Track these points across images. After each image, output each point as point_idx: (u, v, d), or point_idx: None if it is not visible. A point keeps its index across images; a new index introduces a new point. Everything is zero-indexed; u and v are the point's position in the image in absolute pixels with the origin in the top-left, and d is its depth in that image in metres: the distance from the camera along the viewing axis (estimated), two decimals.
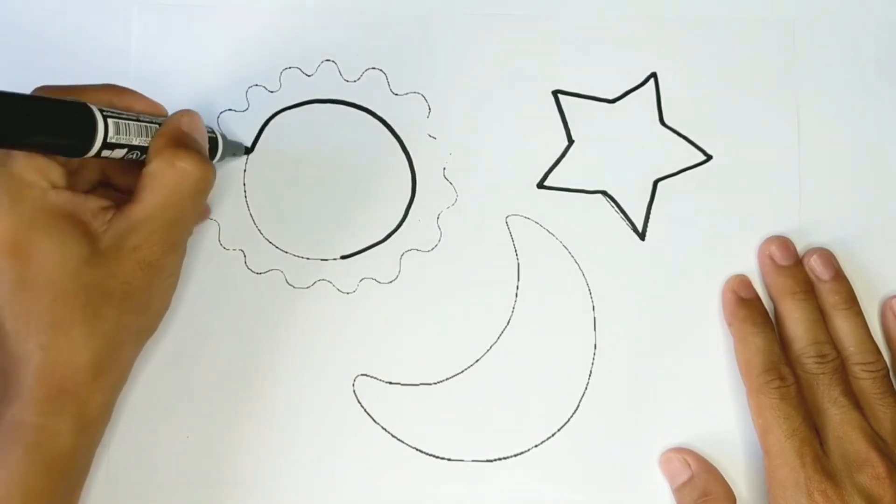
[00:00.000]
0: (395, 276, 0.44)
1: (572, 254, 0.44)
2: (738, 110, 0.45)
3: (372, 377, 0.43)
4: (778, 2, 0.46)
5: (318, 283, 0.44)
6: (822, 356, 0.41)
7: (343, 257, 0.44)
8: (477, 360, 0.43)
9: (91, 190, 0.39)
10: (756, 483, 0.42)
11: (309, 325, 0.43)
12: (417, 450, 0.43)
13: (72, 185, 0.36)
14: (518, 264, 0.44)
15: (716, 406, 0.43)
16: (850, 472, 0.39)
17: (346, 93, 0.45)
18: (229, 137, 0.43)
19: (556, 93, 0.45)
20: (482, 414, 0.43)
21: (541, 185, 0.45)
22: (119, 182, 0.40)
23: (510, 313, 0.44)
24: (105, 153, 0.35)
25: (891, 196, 0.45)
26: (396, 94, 0.45)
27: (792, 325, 0.42)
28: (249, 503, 0.42)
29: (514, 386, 0.43)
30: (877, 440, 0.40)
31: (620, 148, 0.45)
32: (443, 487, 0.42)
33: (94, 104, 0.35)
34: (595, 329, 0.44)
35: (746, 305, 0.43)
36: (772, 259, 0.43)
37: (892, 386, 0.42)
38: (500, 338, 0.44)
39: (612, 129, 0.45)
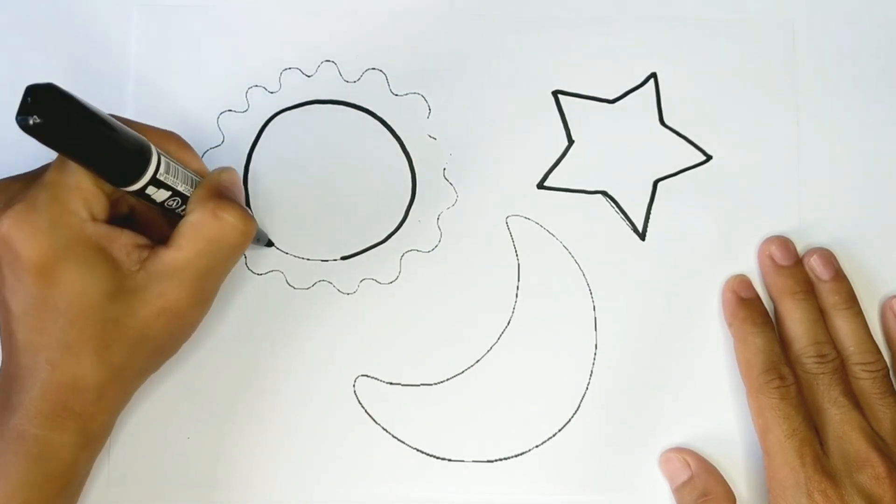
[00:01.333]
0: (395, 277, 0.44)
1: (573, 254, 0.44)
2: (738, 110, 0.45)
3: (372, 378, 0.43)
4: (778, 2, 0.46)
5: (318, 283, 0.44)
6: (822, 356, 0.41)
7: (343, 258, 0.44)
8: (477, 361, 0.43)
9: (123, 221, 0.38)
10: (756, 483, 0.42)
11: (309, 326, 0.43)
12: (418, 450, 0.43)
13: (111, 215, 0.36)
14: (518, 264, 0.44)
15: (716, 406, 0.43)
16: (850, 472, 0.39)
17: (346, 93, 0.45)
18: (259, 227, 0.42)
19: (556, 93, 0.45)
20: (483, 414, 0.43)
21: (541, 186, 0.45)
22: (157, 225, 0.39)
23: (510, 313, 0.44)
24: (149, 190, 0.35)
25: (891, 196, 0.45)
26: (396, 95, 0.45)
27: (792, 325, 0.42)
28: (249, 503, 0.42)
29: (514, 386, 0.43)
30: (877, 440, 0.40)
31: (620, 148, 0.45)
32: (443, 488, 0.43)
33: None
34: (596, 329, 0.44)
35: (746, 305, 0.43)
36: (772, 259, 0.43)
37: (892, 386, 0.42)
38: (501, 338, 0.44)
39: (612, 129, 0.45)
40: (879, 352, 0.42)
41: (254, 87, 0.45)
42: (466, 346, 0.43)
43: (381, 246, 0.44)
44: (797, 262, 0.43)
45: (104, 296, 0.34)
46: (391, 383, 0.43)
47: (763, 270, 0.44)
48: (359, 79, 0.45)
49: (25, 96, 0.31)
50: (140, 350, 0.36)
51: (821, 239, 0.44)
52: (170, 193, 0.36)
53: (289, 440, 0.43)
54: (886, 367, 0.42)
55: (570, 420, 0.43)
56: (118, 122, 0.34)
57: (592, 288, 0.44)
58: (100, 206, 0.35)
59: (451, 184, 0.44)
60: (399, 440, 0.43)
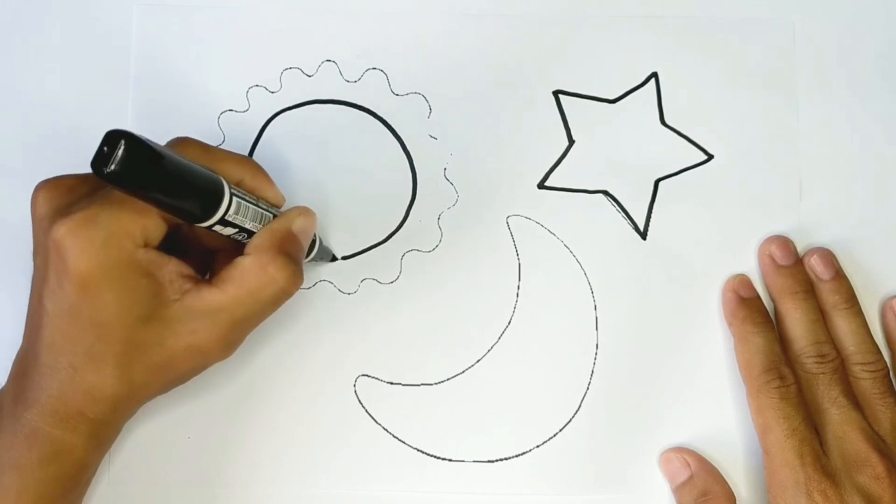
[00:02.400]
0: (395, 277, 0.44)
1: (574, 253, 0.44)
2: (739, 110, 0.45)
3: (373, 377, 0.43)
4: (778, 2, 0.46)
5: (319, 283, 0.44)
6: (822, 356, 0.41)
7: (344, 258, 0.44)
8: (478, 361, 0.43)
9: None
10: (756, 483, 0.43)
11: (310, 326, 0.43)
12: (418, 450, 0.43)
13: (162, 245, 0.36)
14: (519, 264, 0.44)
15: (716, 406, 0.43)
16: (850, 472, 0.39)
17: (347, 93, 0.45)
18: (322, 243, 0.42)
19: (556, 93, 0.45)
20: (483, 414, 0.43)
21: (542, 185, 0.45)
22: (207, 242, 0.39)
23: (511, 313, 0.44)
24: (216, 228, 0.35)
25: (891, 196, 0.45)
26: (397, 95, 0.45)
27: (792, 324, 0.42)
28: (250, 503, 0.42)
29: (515, 386, 0.43)
30: (876, 440, 0.40)
31: (621, 148, 0.45)
32: (443, 488, 0.43)
33: (226, 178, 0.35)
34: (597, 328, 0.44)
35: (747, 305, 0.43)
36: (772, 259, 0.44)
37: (892, 386, 0.42)
38: (502, 338, 0.44)
39: (612, 128, 0.45)
40: (879, 352, 0.42)
41: (254, 87, 0.44)
42: (467, 345, 0.43)
43: (382, 246, 0.44)
44: (797, 262, 0.43)
45: (138, 320, 0.34)
46: (392, 383, 0.43)
47: (763, 270, 0.44)
48: (359, 79, 0.45)
49: (102, 145, 0.31)
50: (160, 376, 0.36)
51: (821, 239, 0.44)
52: (237, 230, 0.36)
53: (289, 440, 0.43)
54: (886, 367, 0.42)
55: (570, 420, 0.43)
56: (193, 164, 0.34)
57: (594, 287, 0.44)
58: (157, 234, 0.35)
59: (451, 184, 0.44)
60: (399, 440, 0.43)
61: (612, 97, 0.45)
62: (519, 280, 0.44)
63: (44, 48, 0.45)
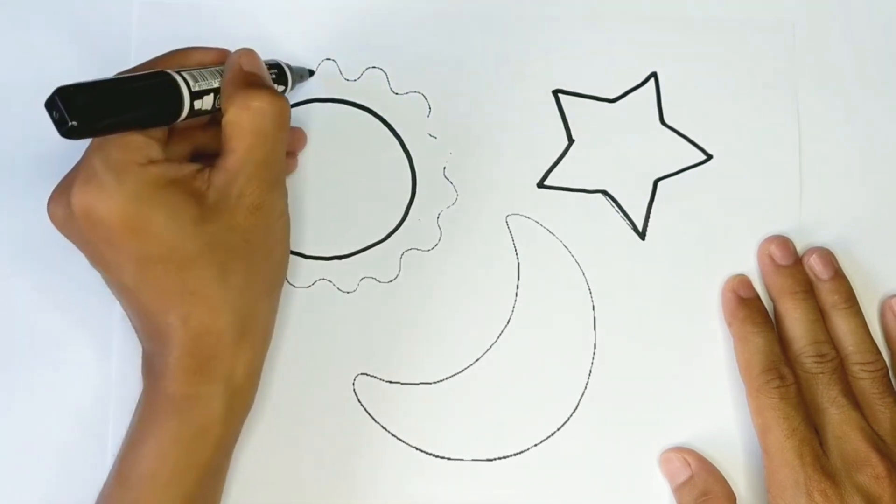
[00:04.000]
0: (395, 276, 0.44)
1: (572, 253, 0.44)
2: (739, 110, 0.45)
3: (372, 376, 0.43)
4: (778, 2, 0.46)
5: (318, 282, 0.44)
6: (822, 356, 0.41)
7: (343, 256, 0.44)
8: (477, 360, 0.43)
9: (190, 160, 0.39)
10: (756, 483, 0.42)
11: (309, 324, 0.43)
12: (417, 449, 0.43)
13: (167, 158, 0.37)
14: (518, 264, 0.44)
15: (716, 406, 0.43)
16: (850, 472, 0.39)
17: (347, 92, 0.45)
18: (294, 65, 0.43)
19: (556, 92, 0.45)
20: (482, 413, 0.43)
21: (541, 185, 0.45)
22: (210, 148, 0.40)
23: (510, 312, 0.44)
24: (196, 104, 0.36)
25: (891, 196, 0.45)
26: (397, 94, 0.45)
27: (791, 324, 0.42)
28: (249, 502, 0.42)
29: (513, 385, 0.43)
30: (876, 440, 0.40)
31: (621, 147, 0.45)
32: (442, 486, 0.42)
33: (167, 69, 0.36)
34: (595, 328, 0.44)
35: (746, 305, 0.43)
36: (772, 259, 0.43)
37: (892, 386, 0.42)
38: (500, 337, 0.44)
39: (612, 128, 0.45)
40: (879, 351, 0.42)
41: None
42: (466, 344, 0.43)
43: (381, 245, 0.44)
44: (797, 262, 0.43)
45: (195, 222, 0.35)
46: (391, 382, 0.43)
47: (763, 270, 0.44)
48: (359, 77, 0.45)
49: (50, 110, 0.32)
50: (252, 259, 0.37)
51: (821, 239, 0.44)
52: (213, 96, 0.37)
53: (288, 438, 0.43)
54: (886, 366, 0.42)
55: (569, 419, 0.43)
56: (131, 75, 0.35)
57: (592, 287, 0.44)
58: (154, 150, 0.35)
59: (451, 182, 0.44)
60: (398, 439, 0.43)
61: (611, 97, 0.45)
62: (518, 279, 0.44)
63: (44, 48, 0.45)
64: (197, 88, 0.36)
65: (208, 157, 0.38)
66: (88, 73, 0.44)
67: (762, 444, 0.41)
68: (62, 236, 0.37)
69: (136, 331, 0.38)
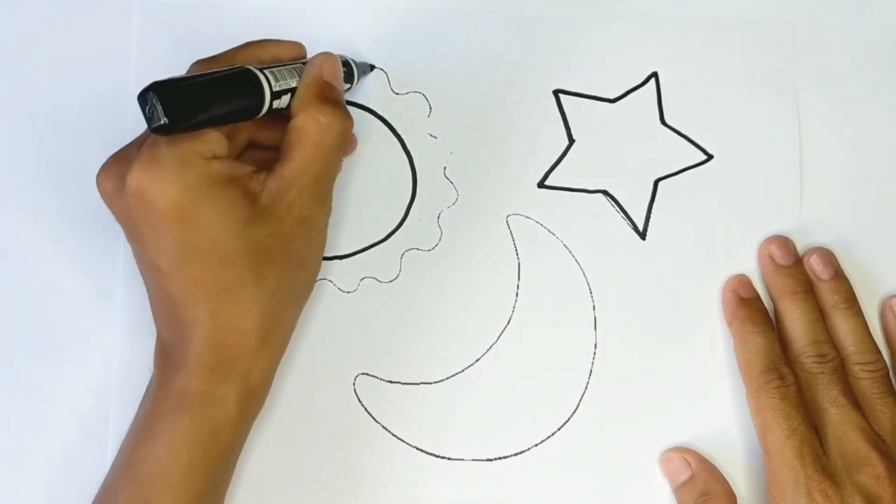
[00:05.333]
0: (395, 276, 0.44)
1: (573, 253, 0.44)
2: (739, 110, 0.45)
3: (372, 376, 0.43)
4: (778, 2, 0.46)
5: (318, 282, 0.44)
6: (822, 356, 0.41)
7: (344, 256, 0.44)
8: (477, 360, 0.43)
9: (242, 154, 0.40)
10: (756, 483, 0.42)
11: (310, 324, 0.43)
12: (418, 449, 0.43)
13: (229, 154, 0.37)
14: (518, 264, 0.44)
15: (716, 406, 0.43)
16: (850, 472, 0.39)
17: (347, 92, 0.45)
18: (357, 60, 0.43)
19: (556, 92, 0.45)
20: (482, 413, 0.43)
21: (541, 185, 0.45)
22: (264, 140, 0.40)
23: (510, 312, 0.44)
24: (275, 104, 0.37)
25: (891, 196, 0.45)
26: (397, 94, 0.45)
27: (791, 324, 0.42)
28: (249, 502, 0.42)
29: (514, 385, 0.43)
30: (876, 440, 0.40)
31: (621, 147, 0.45)
32: (443, 486, 0.42)
33: (247, 64, 0.36)
34: (595, 328, 0.44)
35: (746, 305, 0.43)
36: (772, 259, 0.43)
37: (892, 386, 0.42)
38: (501, 337, 0.44)
39: (612, 128, 0.45)
40: (879, 352, 0.42)
41: None
42: (466, 344, 0.43)
43: (382, 244, 0.44)
44: (797, 262, 0.43)
45: (244, 222, 0.35)
46: (391, 382, 0.43)
47: (763, 270, 0.44)
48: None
49: (142, 104, 0.33)
50: (287, 267, 0.37)
51: (821, 239, 0.44)
52: (290, 95, 0.37)
53: (288, 438, 0.42)
54: (886, 366, 0.42)
55: (569, 419, 0.43)
56: (216, 72, 0.35)
57: (592, 287, 0.44)
58: (222, 145, 0.36)
59: (451, 182, 0.44)
60: (399, 438, 0.43)
61: (612, 97, 0.45)
62: (518, 279, 0.44)
63: (44, 48, 0.45)
64: (277, 88, 0.37)
65: (258, 147, 0.39)
66: (88, 72, 0.44)
67: (762, 444, 0.41)
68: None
69: (156, 317, 0.38)
